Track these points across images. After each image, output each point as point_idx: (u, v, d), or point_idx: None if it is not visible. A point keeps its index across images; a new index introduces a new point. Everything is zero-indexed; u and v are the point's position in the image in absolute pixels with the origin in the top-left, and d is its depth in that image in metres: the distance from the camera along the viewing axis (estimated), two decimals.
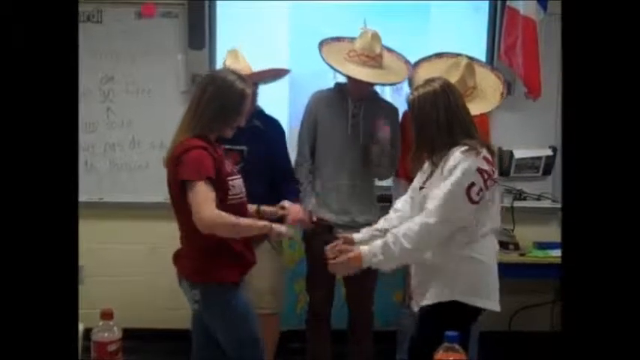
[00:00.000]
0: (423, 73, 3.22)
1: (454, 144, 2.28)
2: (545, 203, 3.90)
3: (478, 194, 2.23)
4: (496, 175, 2.34)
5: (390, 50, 3.28)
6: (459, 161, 2.23)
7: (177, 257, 2.49)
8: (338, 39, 3.26)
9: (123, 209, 3.84)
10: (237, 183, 2.45)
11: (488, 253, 2.37)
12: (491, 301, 2.36)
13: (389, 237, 2.31)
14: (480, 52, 3.67)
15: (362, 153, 3.14)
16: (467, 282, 2.31)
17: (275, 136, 3.17)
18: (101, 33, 3.73)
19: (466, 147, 2.25)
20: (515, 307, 3.92)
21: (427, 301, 2.36)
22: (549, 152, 3.83)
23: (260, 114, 3.13)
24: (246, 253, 2.45)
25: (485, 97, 3.13)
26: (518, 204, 3.86)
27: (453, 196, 2.22)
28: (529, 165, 3.85)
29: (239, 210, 2.40)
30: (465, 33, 3.82)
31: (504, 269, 3.58)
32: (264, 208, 2.72)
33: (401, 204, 2.61)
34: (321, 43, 3.22)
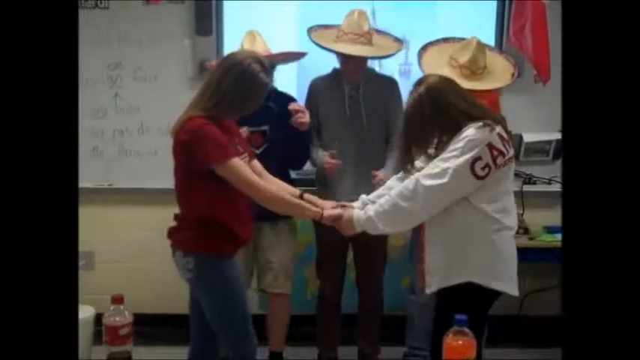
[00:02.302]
0: (430, 58, 3.22)
1: (459, 127, 2.26)
2: (555, 187, 3.88)
3: (484, 169, 2.19)
4: (511, 155, 2.29)
5: (379, 31, 3.30)
6: (468, 133, 2.21)
7: (172, 231, 2.50)
8: (326, 26, 3.28)
9: (132, 195, 3.85)
10: (244, 162, 2.44)
11: (508, 239, 2.35)
12: (508, 284, 2.34)
13: (383, 199, 2.33)
14: (488, 36, 3.64)
15: (365, 132, 3.14)
16: (484, 264, 2.29)
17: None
18: (108, 19, 3.72)
19: (481, 123, 2.22)
20: (524, 291, 3.91)
21: (443, 283, 2.35)
22: (559, 136, 3.80)
23: (277, 93, 3.14)
24: (239, 230, 2.44)
25: (495, 76, 3.15)
26: (527, 188, 3.84)
27: (455, 164, 2.19)
28: (538, 149, 3.83)
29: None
30: (474, 17, 3.79)
31: None
32: (308, 196, 2.63)
33: (393, 182, 2.58)
34: (309, 30, 3.26)
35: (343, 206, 2.50)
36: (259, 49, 3.03)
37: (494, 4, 3.81)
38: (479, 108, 2.33)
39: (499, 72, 3.17)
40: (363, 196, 2.59)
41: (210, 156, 2.29)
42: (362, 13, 3.16)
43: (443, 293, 2.37)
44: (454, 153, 2.20)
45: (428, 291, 2.45)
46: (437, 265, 2.38)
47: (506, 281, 2.33)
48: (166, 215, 3.87)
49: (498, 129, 2.24)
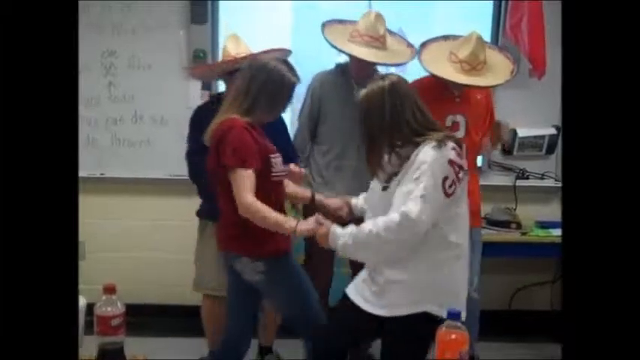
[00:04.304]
0: (429, 54, 3.20)
1: (414, 141, 2.19)
2: (548, 182, 3.90)
3: (451, 187, 2.14)
4: (465, 167, 2.23)
5: (393, 33, 3.26)
6: (429, 155, 2.14)
7: (228, 238, 2.55)
8: (341, 21, 3.24)
9: (124, 184, 3.83)
10: (278, 161, 2.49)
11: (453, 260, 2.25)
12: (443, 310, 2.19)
13: (365, 225, 2.21)
14: (485, 33, 3.64)
15: None
16: (437, 291, 2.19)
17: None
18: (102, 7, 3.69)
19: (434, 142, 2.16)
20: (515, 286, 3.94)
21: (393, 311, 2.22)
22: (553, 131, 3.81)
23: None
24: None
25: (495, 72, 3.12)
26: (520, 183, 3.85)
27: (431, 190, 2.11)
28: (532, 144, 3.83)
29: (278, 187, 2.52)
30: (470, 14, 3.78)
31: (506, 248, 3.66)
32: (323, 200, 2.68)
33: (362, 199, 2.56)
34: (324, 25, 3.20)
35: (321, 222, 2.36)
36: (243, 51, 3.00)
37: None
38: (432, 121, 2.26)
39: (498, 68, 3.15)
40: (360, 200, 2.58)
41: (228, 158, 2.34)
42: (379, 16, 3.11)
43: (394, 321, 2.24)
44: (423, 177, 2.12)
45: (377, 312, 2.27)
46: (383, 291, 2.25)
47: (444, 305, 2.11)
48: (159, 205, 3.88)
49: (451, 144, 2.18)
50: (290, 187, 2.65)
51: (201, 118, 2.98)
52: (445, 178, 2.13)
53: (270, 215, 2.35)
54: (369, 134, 2.27)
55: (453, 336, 1.64)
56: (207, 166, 2.49)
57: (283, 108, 2.53)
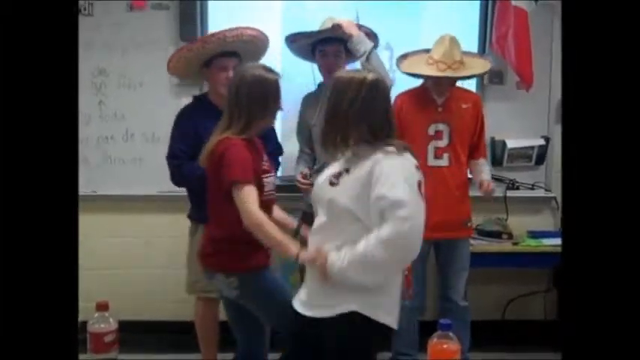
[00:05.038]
0: (408, 62, 3.26)
1: (371, 142, 2.12)
2: (539, 192, 3.92)
3: (420, 188, 2.08)
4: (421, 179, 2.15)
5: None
6: (399, 162, 2.08)
7: (207, 254, 2.56)
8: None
9: (116, 202, 3.83)
10: (270, 180, 2.54)
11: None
12: (391, 317, 2.14)
13: (360, 245, 2.04)
14: (471, 43, 3.68)
15: None
16: (370, 292, 2.09)
17: None
18: (92, 25, 3.70)
19: (394, 148, 2.10)
20: (508, 296, 3.94)
21: (324, 311, 2.14)
22: (542, 142, 3.84)
23: None
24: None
25: (472, 69, 3.22)
26: (511, 193, 3.87)
27: (413, 196, 2.01)
28: (522, 154, 3.86)
29: (268, 207, 2.51)
30: (457, 25, 3.81)
31: (498, 258, 3.68)
32: (303, 231, 2.59)
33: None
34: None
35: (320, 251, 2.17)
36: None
37: (477, 9, 3.83)
38: (392, 133, 2.18)
39: (475, 66, 3.24)
40: None
41: (232, 173, 2.36)
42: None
43: (324, 322, 2.15)
44: (407, 189, 2.02)
45: (308, 313, 2.20)
46: (316, 290, 2.19)
47: (391, 313, 2.14)
48: (151, 222, 3.88)
49: (407, 154, 2.13)
50: (277, 213, 2.64)
51: (184, 119, 3.05)
52: (420, 183, 2.07)
53: (276, 235, 2.34)
54: (332, 114, 2.16)
55: (445, 346, 1.66)
56: (207, 187, 2.50)
57: (277, 107, 2.53)
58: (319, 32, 3.27)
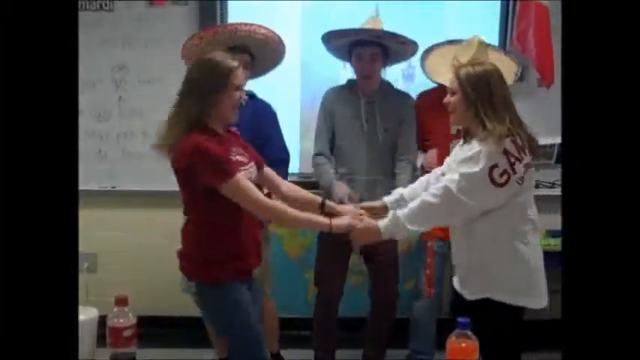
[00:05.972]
0: (433, 60, 3.22)
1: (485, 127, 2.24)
2: (558, 191, 3.87)
3: (502, 176, 2.18)
4: (527, 161, 2.27)
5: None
6: (483, 143, 2.20)
7: (179, 255, 2.39)
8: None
9: (135, 197, 3.86)
10: (252, 171, 2.36)
11: (533, 248, 2.37)
12: (534, 298, 2.34)
13: (411, 203, 2.31)
14: (492, 41, 3.65)
15: (381, 147, 3.17)
16: (508, 280, 2.28)
17: (265, 115, 3.15)
18: (112, 21, 3.73)
19: (489, 131, 2.21)
20: None
21: (467, 295, 2.34)
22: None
23: (250, 96, 3.00)
24: (246, 256, 2.33)
25: None
26: None
27: (473, 175, 2.18)
28: (542, 153, 3.82)
29: None
30: (478, 21, 3.80)
31: None
32: (328, 204, 2.53)
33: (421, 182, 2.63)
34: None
35: (361, 214, 2.44)
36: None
37: (498, 5, 3.80)
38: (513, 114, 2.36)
39: (502, 70, 3.18)
40: (400, 190, 2.63)
41: (212, 177, 2.16)
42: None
43: (467, 305, 2.31)
44: (471, 168, 2.20)
45: (469, 296, 2.36)
46: (463, 277, 2.38)
47: (533, 294, 2.34)
48: (169, 217, 3.88)
49: (512, 136, 2.24)
50: (301, 192, 2.53)
51: None
52: (494, 167, 2.17)
53: (299, 215, 2.27)
54: (474, 99, 2.31)
55: (464, 345, 1.65)
56: (181, 193, 2.34)
57: (232, 95, 2.24)
58: (356, 32, 3.11)
